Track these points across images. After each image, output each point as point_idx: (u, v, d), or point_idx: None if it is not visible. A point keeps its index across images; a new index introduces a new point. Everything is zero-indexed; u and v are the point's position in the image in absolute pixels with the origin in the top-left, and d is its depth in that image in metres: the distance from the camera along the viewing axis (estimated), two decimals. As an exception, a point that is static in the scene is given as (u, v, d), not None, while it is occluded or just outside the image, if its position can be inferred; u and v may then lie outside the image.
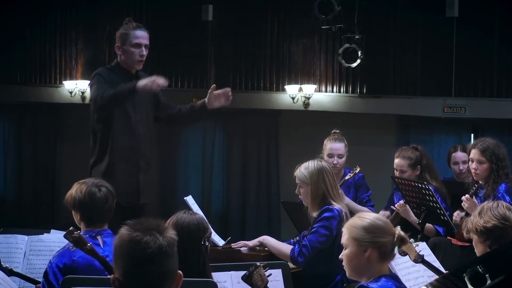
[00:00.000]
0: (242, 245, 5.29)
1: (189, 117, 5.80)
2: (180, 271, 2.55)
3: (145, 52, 5.54)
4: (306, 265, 4.96)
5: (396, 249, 3.39)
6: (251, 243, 5.28)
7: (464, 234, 3.85)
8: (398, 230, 3.41)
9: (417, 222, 5.92)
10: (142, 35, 5.54)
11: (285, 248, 5.06)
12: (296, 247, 4.97)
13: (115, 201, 4.29)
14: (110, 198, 4.21)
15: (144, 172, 5.60)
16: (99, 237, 4.16)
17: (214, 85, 5.72)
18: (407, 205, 6.12)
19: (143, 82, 5.27)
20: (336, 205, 4.99)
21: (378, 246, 3.35)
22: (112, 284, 2.50)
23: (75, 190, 4.23)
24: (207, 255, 3.73)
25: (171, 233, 2.53)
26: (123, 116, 5.50)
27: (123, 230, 2.52)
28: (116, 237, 2.53)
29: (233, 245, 5.36)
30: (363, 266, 3.37)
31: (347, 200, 6.26)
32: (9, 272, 4.21)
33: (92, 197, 4.15)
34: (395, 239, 3.37)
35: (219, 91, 5.67)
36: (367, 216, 3.45)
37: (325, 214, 4.95)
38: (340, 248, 4.57)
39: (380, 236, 3.36)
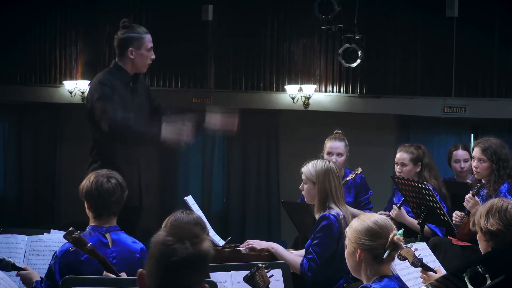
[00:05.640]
0: (251, 247, 5.26)
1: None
2: (207, 285, 2.46)
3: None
4: (315, 277, 4.97)
5: (387, 252, 3.39)
6: (259, 246, 5.24)
7: (471, 225, 3.85)
8: (393, 235, 3.41)
9: (417, 223, 5.92)
10: (151, 39, 5.62)
11: (294, 261, 5.04)
12: (305, 261, 4.97)
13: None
14: (119, 191, 4.14)
15: (145, 172, 5.59)
16: (108, 235, 4.13)
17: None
18: (401, 209, 6.14)
19: (169, 135, 5.38)
20: (333, 210, 4.99)
21: (367, 249, 3.40)
22: (138, 277, 2.47)
23: (86, 179, 4.19)
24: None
25: (206, 246, 2.44)
26: None
27: (162, 231, 2.47)
28: (155, 234, 2.48)
29: (241, 246, 5.33)
30: (357, 265, 3.45)
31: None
32: (12, 267, 4.21)
33: (99, 188, 4.10)
34: (387, 244, 3.39)
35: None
36: (366, 219, 3.47)
37: (324, 223, 4.96)
38: (341, 252, 4.58)
39: (370, 240, 3.40)
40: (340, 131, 6.58)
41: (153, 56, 5.59)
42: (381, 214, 6.20)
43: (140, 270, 2.47)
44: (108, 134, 5.35)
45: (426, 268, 4.15)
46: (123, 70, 5.51)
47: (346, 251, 3.51)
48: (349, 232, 3.47)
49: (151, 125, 5.49)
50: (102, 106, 5.32)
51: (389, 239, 3.40)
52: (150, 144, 5.53)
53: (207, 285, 2.48)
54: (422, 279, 4.21)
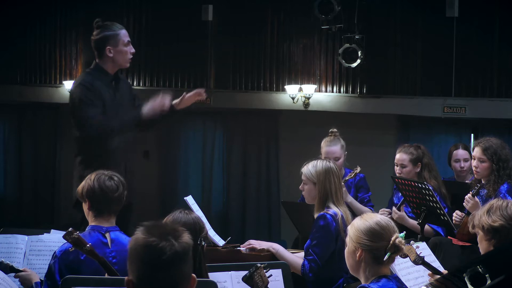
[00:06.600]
0: (251, 247, 5.24)
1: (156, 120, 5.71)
2: (194, 275, 2.52)
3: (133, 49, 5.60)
4: (317, 277, 4.97)
5: (388, 255, 3.38)
6: (260, 245, 5.23)
7: (470, 228, 3.84)
8: (395, 237, 3.40)
9: (417, 223, 5.92)
10: (127, 33, 5.62)
11: (295, 262, 5.03)
12: (306, 262, 4.97)
13: None
14: (121, 189, 4.16)
15: (130, 173, 5.54)
16: (107, 235, 4.13)
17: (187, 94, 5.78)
18: (402, 211, 6.13)
19: (148, 108, 5.38)
20: (331, 210, 4.99)
21: (368, 250, 3.39)
22: (126, 285, 2.49)
23: (86, 179, 4.20)
24: (203, 255, 3.73)
25: (187, 238, 2.50)
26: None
27: (139, 234, 2.49)
28: (131, 240, 2.51)
29: (242, 246, 5.32)
30: (357, 264, 3.43)
31: (350, 199, 6.25)
32: (10, 269, 4.20)
33: (101, 185, 4.12)
34: (389, 246, 3.38)
35: (191, 93, 5.75)
36: (368, 219, 3.45)
37: (321, 223, 4.96)
38: (340, 251, 4.57)
39: (372, 241, 3.39)
40: (335, 130, 6.53)
41: (133, 50, 5.58)
42: (382, 212, 6.22)
43: (126, 278, 2.48)
44: (89, 137, 5.35)
45: (428, 267, 4.15)
46: (103, 70, 5.54)
47: (346, 249, 3.49)
48: (351, 230, 3.45)
49: (131, 113, 5.48)
50: (84, 110, 5.33)
51: (391, 242, 3.38)
52: (135, 127, 5.46)
53: (193, 274, 2.52)
54: (421, 273, 4.21)
